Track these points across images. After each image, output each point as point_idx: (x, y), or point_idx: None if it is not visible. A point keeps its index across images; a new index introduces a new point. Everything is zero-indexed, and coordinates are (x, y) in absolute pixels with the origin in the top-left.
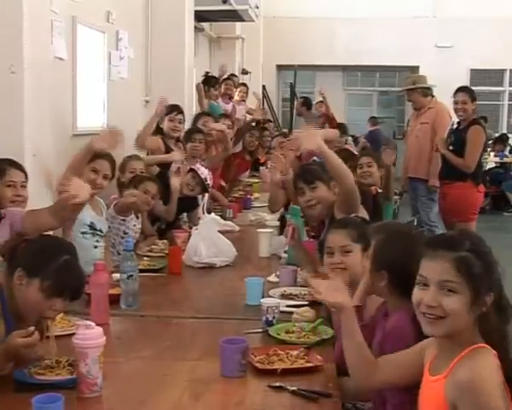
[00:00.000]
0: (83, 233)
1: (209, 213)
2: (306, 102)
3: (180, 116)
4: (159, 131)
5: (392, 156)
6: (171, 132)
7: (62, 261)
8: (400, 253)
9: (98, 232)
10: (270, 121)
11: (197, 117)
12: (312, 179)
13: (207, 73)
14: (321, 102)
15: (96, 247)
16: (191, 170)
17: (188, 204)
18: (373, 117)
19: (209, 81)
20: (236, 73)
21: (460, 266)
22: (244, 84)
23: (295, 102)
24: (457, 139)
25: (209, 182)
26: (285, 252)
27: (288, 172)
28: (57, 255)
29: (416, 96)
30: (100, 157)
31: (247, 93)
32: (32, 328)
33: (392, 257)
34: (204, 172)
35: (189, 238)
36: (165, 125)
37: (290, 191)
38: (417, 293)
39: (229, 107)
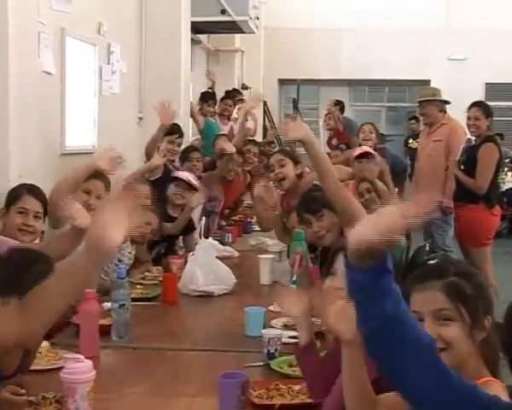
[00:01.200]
0: None
1: (206, 237)
2: (339, 103)
3: (180, 140)
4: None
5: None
6: (167, 155)
7: (39, 273)
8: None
9: None
10: (272, 143)
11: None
12: (318, 208)
13: (210, 88)
14: (329, 114)
15: None
16: (172, 179)
17: (184, 227)
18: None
19: (204, 97)
20: (236, 88)
21: (450, 292)
22: (243, 101)
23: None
24: (469, 158)
25: (194, 181)
26: (293, 282)
27: (276, 206)
28: (32, 268)
29: (433, 110)
30: (93, 177)
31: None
32: (23, 391)
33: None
34: (184, 175)
35: (185, 265)
36: (163, 145)
37: (276, 226)
38: None
39: (226, 128)
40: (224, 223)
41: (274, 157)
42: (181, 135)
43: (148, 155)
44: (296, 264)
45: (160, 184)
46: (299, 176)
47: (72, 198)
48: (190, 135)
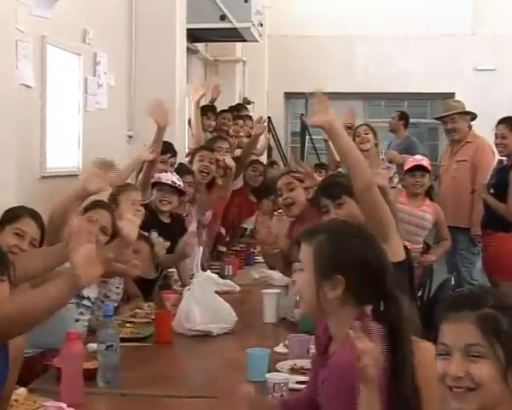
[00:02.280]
0: None
1: (204, 269)
2: (405, 117)
3: (173, 160)
4: None
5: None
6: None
7: None
8: (358, 248)
9: (84, 302)
10: (275, 164)
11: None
12: (338, 193)
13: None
14: (348, 128)
15: (77, 320)
16: (153, 185)
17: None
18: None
19: (202, 110)
20: (240, 103)
21: (485, 325)
22: (249, 118)
23: (307, 137)
24: (499, 180)
25: (179, 183)
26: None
27: (280, 244)
28: None
29: (463, 125)
30: (99, 206)
31: (252, 128)
32: None
33: (348, 255)
34: (168, 177)
35: (180, 300)
36: (157, 167)
37: (279, 265)
38: (440, 365)
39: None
40: (223, 249)
41: (282, 180)
42: (174, 154)
43: (151, 160)
44: None
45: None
46: (310, 201)
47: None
48: (184, 156)
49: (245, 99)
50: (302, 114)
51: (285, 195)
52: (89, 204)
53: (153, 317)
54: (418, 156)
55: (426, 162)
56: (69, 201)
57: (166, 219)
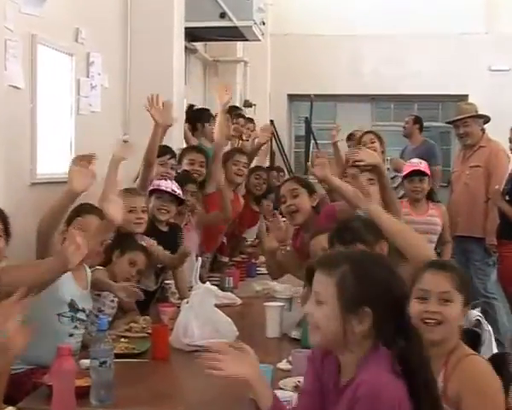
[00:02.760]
0: (59, 315)
1: (203, 281)
2: (419, 120)
3: (173, 161)
4: None
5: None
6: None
7: None
8: (382, 277)
9: (79, 315)
10: (281, 170)
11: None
12: (351, 240)
13: (192, 106)
14: (350, 135)
15: (71, 335)
16: (151, 192)
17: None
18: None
19: (201, 116)
20: (238, 106)
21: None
22: (251, 120)
23: (312, 141)
24: None
25: (179, 191)
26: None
27: (287, 241)
28: None
29: (476, 129)
30: (88, 212)
31: (254, 130)
32: None
33: (374, 285)
34: (167, 185)
35: (177, 314)
36: (155, 170)
37: (289, 264)
38: (417, 305)
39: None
40: (225, 259)
41: (285, 186)
42: (173, 155)
43: (148, 161)
44: None
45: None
46: (315, 208)
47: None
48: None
49: (246, 101)
50: (306, 118)
51: (289, 202)
52: (74, 211)
53: (149, 331)
54: (415, 160)
55: (423, 166)
56: (58, 206)
57: (164, 228)
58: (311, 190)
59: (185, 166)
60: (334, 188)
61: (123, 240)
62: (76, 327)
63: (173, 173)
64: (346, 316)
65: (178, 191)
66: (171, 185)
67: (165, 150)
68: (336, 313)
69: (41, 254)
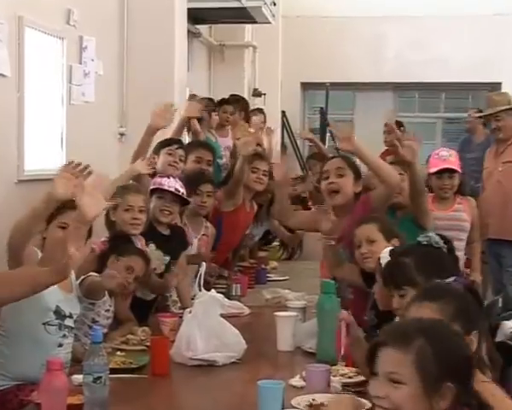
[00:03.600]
0: (45, 324)
1: (207, 288)
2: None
3: (181, 152)
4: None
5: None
6: (169, 170)
7: None
8: (457, 347)
9: (67, 322)
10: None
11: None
12: (401, 283)
13: (193, 96)
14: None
15: (60, 345)
16: (152, 191)
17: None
18: None
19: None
20: (246, 95)
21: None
22: (261, 111)
23: (328, 134)
24: None
25: (183, 191)
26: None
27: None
28: None
29: (510, 122)
30: (72, 208)
31: (264, 122)
32: None
33: (452, 358)
34: (170, 184)
35: (179, 325)
36: (161, 160)
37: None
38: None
39: (227, 141)
40: (224, 274)
41: (332, 162)
42: (181, 145)
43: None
44: (342, 334)
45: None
46: (357, 195)
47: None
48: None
49: (255, 91)
50: (322, 108)
51: (331, 179)
52: (57, 207)
53: (148, 344)
54: (444, 152)
55: (454, 161)
56: (33, 214)
57: (165, 231)
58: (357, 175)
59: (191, 163)
60: (365, 161)
61: (119, 244)
62: (64, 336)
63: (182, 166)
64: (430, 395)
65: (182, 190)
66: (174, 184)
67: (172, 140)
68: (419, 392)
69: (13, 267)
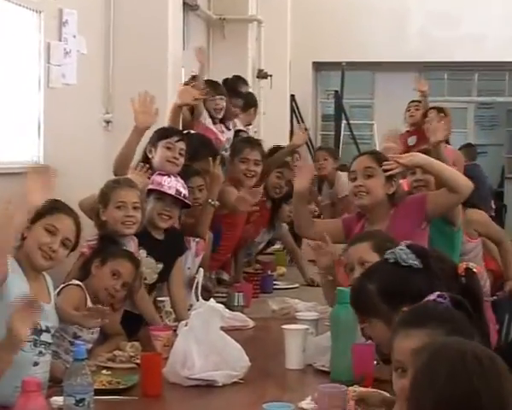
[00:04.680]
0: None
1: (206, 297)
2: None
3: (182, 145)
4: (145, 164)
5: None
6: (167, 166)
7: None
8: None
9: (43, 337)
10: (296, 152)
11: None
12: (366, 313)
13: (194, 77)
14: (418, 103)
15: (36, 364)
16: (149, 191)
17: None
18: (468, 144)
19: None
20: (249, 77)
21: None
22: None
23: (343, 122)
24: None
25: (185, 192)
26: None
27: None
28: None
29: None
30: (62, 212)
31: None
32: None
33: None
34: (171, 184)
35: (173, 340)
36: (158, 154)
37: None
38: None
39: (230, 134)
40: (226, 277)
41: (359, 161)
42: (182, 138)
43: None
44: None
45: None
46: (391, 197)
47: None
48: None
49: (260, 72)
50: (337, 92)
51: (359, 181)
52: (47, 206)
53: (138, 361)
54: None
55: None
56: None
57: (159, 235)
58: (390, 175)
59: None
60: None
61: (104, 246)
62: (41, 353)
63: (182, 161)
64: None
65: (184, 192)
66: (175, 184)
67: (172, 131)
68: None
69: None
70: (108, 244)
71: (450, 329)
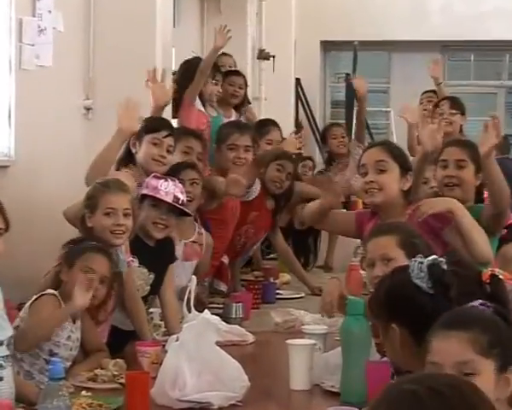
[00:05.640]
0: None
1: (200, 309)
2: None
3: (170, 141)
4: (128, 159)
5: None
6: (152, 165)
7: None
8: None
9: (1, 352)
10: (310, 159)
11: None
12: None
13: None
14: (432, 93)
15: (1, 379)
16: (143, 197)
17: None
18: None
19: (195, 70)
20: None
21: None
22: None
23: (356, 109)
24: None
25: (183, 198)
26: None
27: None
28: None
29: None
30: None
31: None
32: None
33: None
34: (168, 189)
35: (163, 356)
36: (143, 150)
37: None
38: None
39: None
40: (223, 288)
41: (370, 154)
42: (172, 133)
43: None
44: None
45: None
46: (407, 194)
47: None
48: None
49: (261, 52)
50: (348, 75)
51: (370, 176)
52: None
53: (122, 381)
54: None
55: None
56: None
57: (151, 242)
58: (405, 167)
59: (178, 154)
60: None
61: (69, 249)
62: (1, 366)
63: (170, 159)
64: None
65: (182, 198)
66: (173, 190)
67: (160, 124)
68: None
69: None
70: (73, 245)
71: (493, 338)
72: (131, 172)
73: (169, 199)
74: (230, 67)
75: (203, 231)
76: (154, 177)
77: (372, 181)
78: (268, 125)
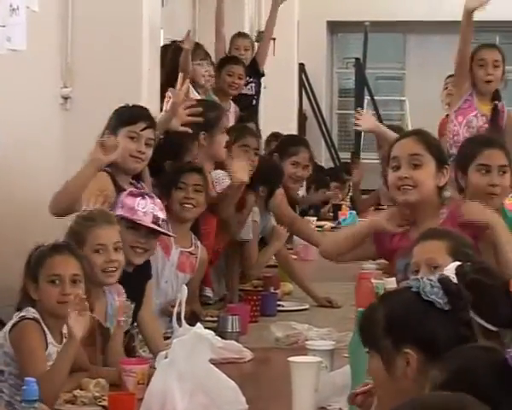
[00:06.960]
0: None
1: (192, 322)
2: None
3: (149, 133)
4: None
5: None
6: (129, 162)
7: None
8: None
9: None
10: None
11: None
12: (366, 343)
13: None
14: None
15: None
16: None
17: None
18: None
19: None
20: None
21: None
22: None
23: (366, 97)
24: None
25: (163, 217)
26: None
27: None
28: None
29: None
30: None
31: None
32: None
33: None
34: (146, 209)
35: (150, 375)
36: (119, 141)
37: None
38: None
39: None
40: (209, 293)
41: (403, 145)
42: (151, 124)
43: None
44: None
45: None
46: (441, 190)
47: None
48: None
49: (260, 34)
50: (358, 60)
51: (403, 171)
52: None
53: (104, 403)
54: None
55: None
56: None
57: (129, 268)
58: (441, 161)
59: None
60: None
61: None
62: None
63: (149, 154)
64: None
65: (163, 217)
66: (151, 208)
67: (138, 114)
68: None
69: None
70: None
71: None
72: (109, 170)
73: (148, 220)
74: (247, 49)
75: (199, 244)
76: (130, 194)
77: (406, 177)
78: (297, 144)
